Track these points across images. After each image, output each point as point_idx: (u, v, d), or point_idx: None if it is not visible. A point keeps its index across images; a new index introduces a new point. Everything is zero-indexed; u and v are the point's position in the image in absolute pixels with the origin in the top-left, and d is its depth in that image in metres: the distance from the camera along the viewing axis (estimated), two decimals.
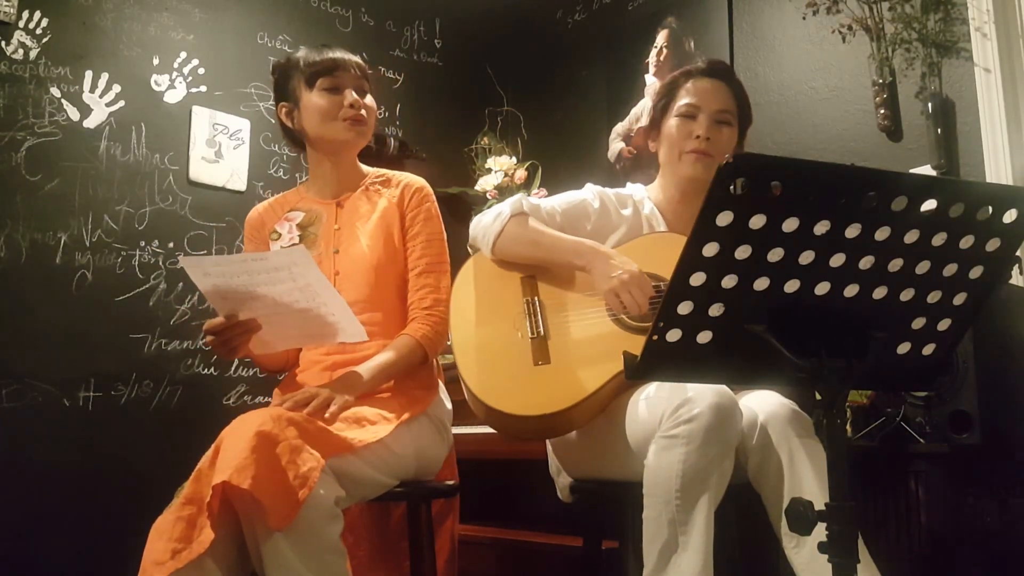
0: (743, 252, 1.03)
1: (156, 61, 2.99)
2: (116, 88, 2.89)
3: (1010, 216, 1.07)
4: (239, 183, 3.12)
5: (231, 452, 1.44)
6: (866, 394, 1.96)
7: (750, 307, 1.08)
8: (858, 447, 1.89)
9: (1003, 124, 2.30)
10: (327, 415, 1.62)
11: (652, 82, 3.28)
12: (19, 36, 2.72)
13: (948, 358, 1.23)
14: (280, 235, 1.99)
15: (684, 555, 1.45)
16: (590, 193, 1.93)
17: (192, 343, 2.95)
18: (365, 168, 2.07)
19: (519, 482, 2.99)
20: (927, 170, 2.39)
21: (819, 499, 1.15)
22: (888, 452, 1.85)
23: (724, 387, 1.50)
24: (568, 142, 3.62)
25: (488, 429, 1.79)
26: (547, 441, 1.91)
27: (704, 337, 1.10)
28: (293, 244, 1.95)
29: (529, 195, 3.39)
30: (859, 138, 2.63)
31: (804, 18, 2.63)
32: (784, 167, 1.00)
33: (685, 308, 1.07)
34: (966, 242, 1.08)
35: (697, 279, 1.05)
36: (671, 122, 1.88)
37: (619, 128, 3.39)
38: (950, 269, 1.10)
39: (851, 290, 1.09)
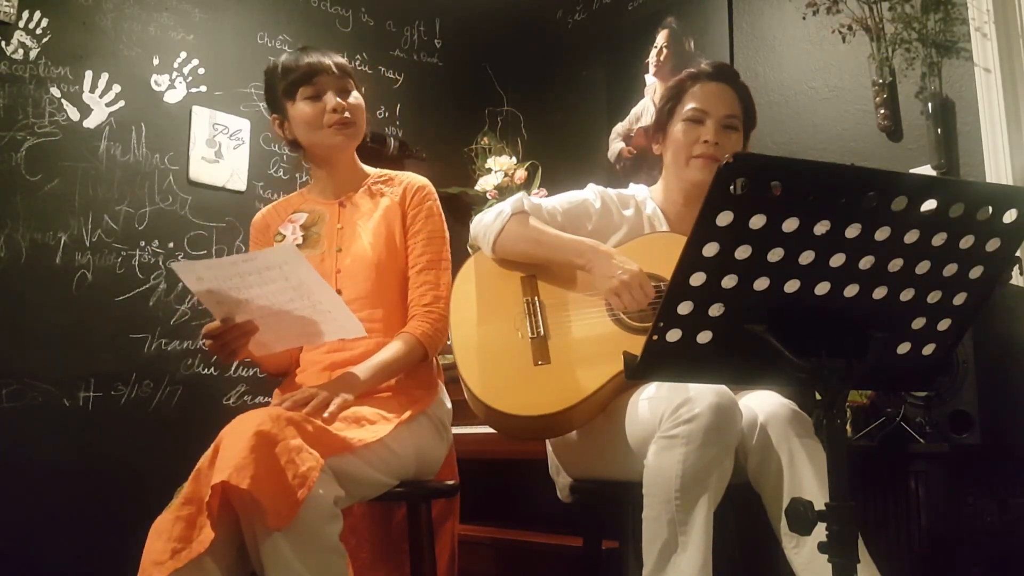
0: (743, 252, 1.03)
1: (156, 61, 2.99)
2: (116, 88, 2.89)
3: (1010, 216, 1.07)
4: (239, 183, 3.12)
5: (230, 452, 1.44)
6: (866, 394, 1.96)
7: (750, 307, 1.08)
8: (858, 447, 1.89)
9: (1003, 124, 2.30)
10: (326, 415, 1.62)
11: (652, 82, 3.28)
12: (19, 36, 2.72)
13: (948, 358, 1.23)
14: (284, 236, 1.99)
15: (684, 555, 1.45)
16: (592, 193, 1.93)
17: (192, 343, 2.95)
18: (367, 168, 2.07)
19: (519, 482, 2.99)
20: (927, 170, 2.39)
21: (819, 499, 1.15)
22: (888, 452, 1.85)
23: (724, 387, 1.50)
24: (568, 142, 3.62)
25: (488, 429, 1.79)
26: (547, 441, 1.92)
27: (704, 337, 1.10)
28: (297, 245, 1.95)
29: (529, 195, 3.41)
30: (859, 138, 2.63)
31: (804, 18, 2.63)
32: (784, 167, 1.00)
33: (685, 308, 1.07)
34: (966, 242, 1.08)
35: (697, 279, 1.05)
36: (678, 126, 1.87)
37: (619, 128, 3.39)
38: (950, 269, 1.10)
39: (851, 290, 1.09)
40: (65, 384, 2.69)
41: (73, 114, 2.80)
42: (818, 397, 1.10)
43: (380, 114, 3.53)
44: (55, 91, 2.77)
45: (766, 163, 1.00)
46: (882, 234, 1.04)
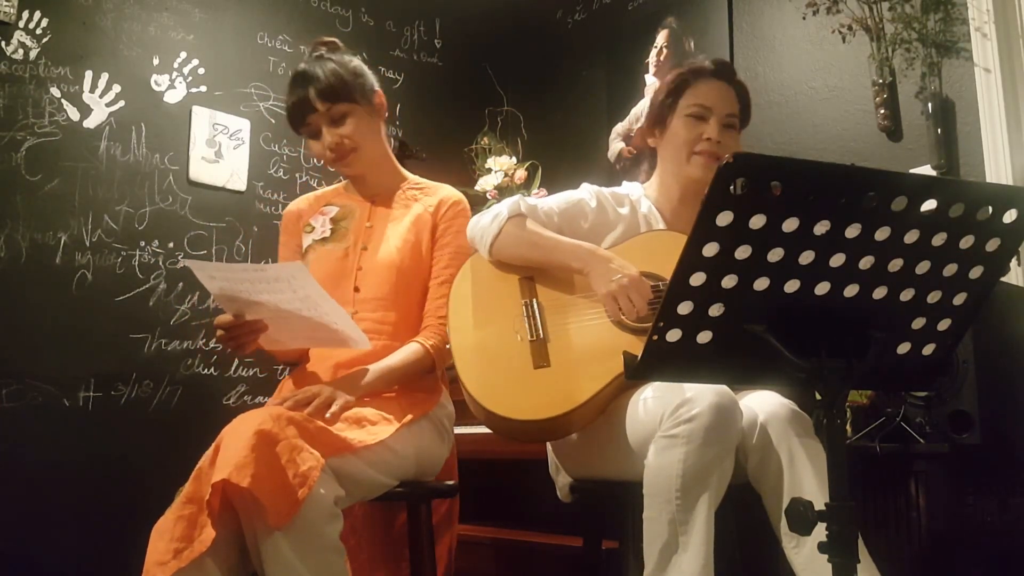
0: (743, 252, 1.03)
1: (156, 61, 2.99)
2: (116, 88, 2.89)
3: (1010, 216, 1.07)
4: (239, 183, 3.12)
5: (231, 450, 1.45)
6: (866, 394, 1.95)
7: (750, 307, 1.08)
8: (858, 447, 1.89)
9: (1003, 124, 2.30)
10: (327, 415, 1.63)
11: (652, 82, 3.28)
12: (19, 36, 2.72)
13: (948, 358, 1.23)
14: (313, 228, 2.01)
15: (684, 555, 1.45)
16: (587, 192, 1.93)
17: (192, 343, 2.95)
18: (406, 173, 2.08)
19: (519, 482, 2.98)
20: (927, 170, 2.39)
21: (819, 499, 1.15)
22: (888, 452, 1.85)
23: (724, 387, 1.50)
24: (568, 142, 3.62)
25: (488, 429, 1.79)
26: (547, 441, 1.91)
27: (704, 337, 1.10)
28: (324, 237, 1.97)
29: (529, 195, 3.41)
30: (859, 138, 2.63)
31: (804, 18, 2.63)
32: (784, 167, 1.00)
33: (685, 308, 1.07)
34: (966, 242, 1.08)
35: (697, 279, 1.04)
36: (679, 121, 1.86)
37: (619, 128, 3.39)
38: (950, 269, 1.10)
39: (851, 290, 1.08)
40: (65, 384, 2.69)
41: (73, 114, 2.80)
42: (818, 397, 1.10)
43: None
44: (55, 91, 2.77)
45: (766, 163, 1.00)
46: (882, 234, 1.04)
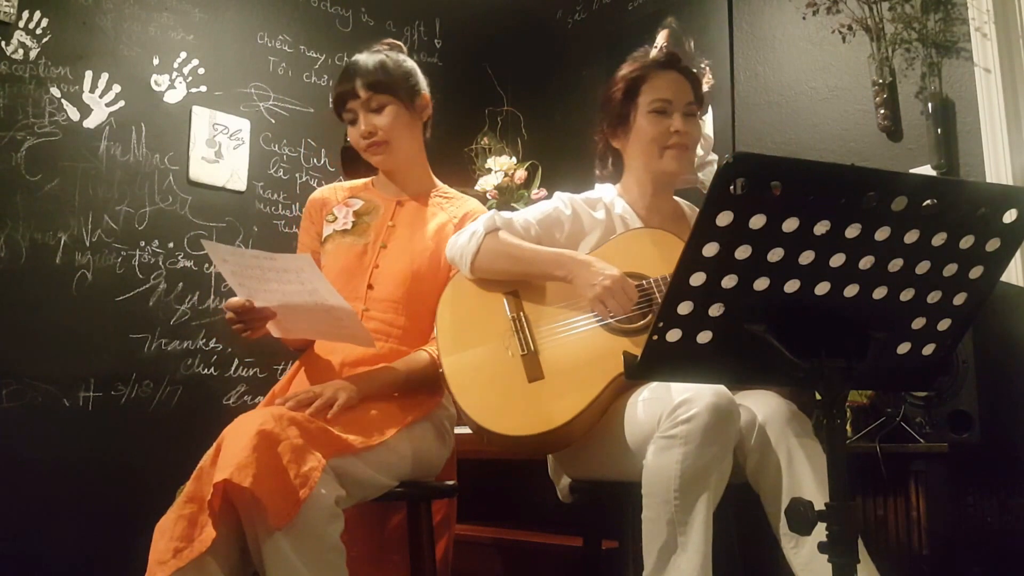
0: (743, 252, 1.03)
1: (156, 61, 2.99)
2: (116, 88, 2.89)
3: (1010, 216, 1.07)
4: (239, 183, 3.12)
5: (232, 450, 1.45)
6: (866, 394, 1.96)
7: (750, 307, 1.08)
8: (858, 447, 1.89)
9: (1003, 124, 2.30)
10: (329, 416, 1.63)
11: None
12: (19, 36, 2.72)
13: (948, 358, 1.23)
14: (336, 218, 2.01)
15: (683, 555, 1.45)
16: (560, 201, 1.93)
17: (192, 343, 2.95)
18: (435, 180, 2.09)
19: (519, 482, 2.98)
20: (927, 170, 2.39)
21: (818, 499, 1.15)
22: (888, 452, 1.85)
23: (722, 387, 1.50)
24: (568, 142, 3.61)
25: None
26: None
27: (704, 337, 1.10)
28: (344, 229, 1.98)
29: (529, 195, 3.41)
30: (859, 138, 2.63)
31: (804, 18, 2.63)
32: (784, 167, 1.00)
33: (685, 308, 1.07)
34: (966, 242, 1.08)
35: (697, 279, 1.04)
36: (643, 119, 1.88)
37: None
38: (950, 269, 1.10)
39: (851, 290, 1.08)
40: (65, 384, 2.69)
41: (73, 114, 2.80)
42: (818, 397, 1.10)
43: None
44: (55, 91, 2.77)
45: (766, 163, 1.00)
46: (882, 234, 1.04)
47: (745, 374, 1.20)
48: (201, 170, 3.04)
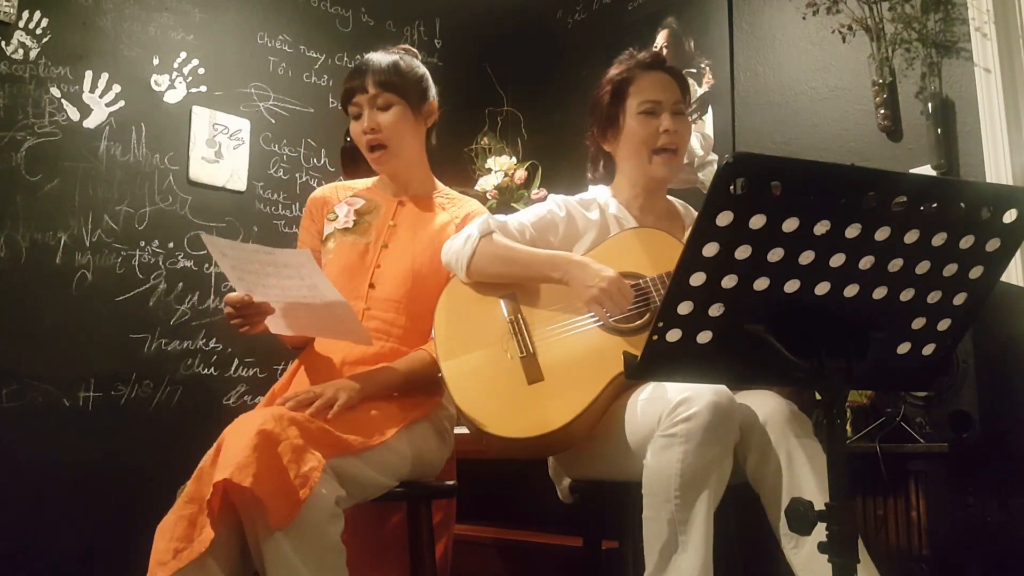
0: (743, 252, 1.03)
1: (156, 61, 2.99)
2: (116, 88, 2.89)
3: (1010, 216, 1.07)
4: (239, 183, 3.12)
5: (233, 450, 1.45)
6: (866, 394, 1.96)
7: (750, 307, 1.08)
8: (858, 447, 1.89)
9: (1003, 124, 2.30)
10: (329, 415, 1.63)
11: None
12: (19, 36, 2.72)
13: (948, 358, 1.23)
14: (337, 216, 2.01)
15: (684, 555, 1.45)
16: (554, 204, 1.93)
17: (192, 343, 2.95)
18: (437, 182, 2.09)
19: (519, 482, 2.98)
20: (927, 170, 2.39)
21: (818, 499, 1.15)
22: (888, 452, 1.85)
23: (722, 386, 1.50)
24: (568, 142, 3.60)
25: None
26: None
27: (704, 337, 1.10)
28: (346, 228, 1.97)
29: (529, 195, 3.41)
30: (859, 138, 2.63)
31: (804, 18, 2.63)
32: (784, 167, 1.00)
33: (685, 308, 1.07)
34: (966, 242, 1.08)
35: (697, 279, 1.04)
36: (633, 121, 1.88)
37: None
38: (950, 269, 1.10)
39: (851, 290, 1.09)
40: (65, 384, 2.69)
41: (73, 114, 2.80)
42: (818, 397, 1.10)
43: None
44: (55, 91, 2.77)
45: (766, 163, 1.00)
46: (882, 234, 1.04)
47: (745, 374, 1.20)
48: (201, 170, 3.04)
